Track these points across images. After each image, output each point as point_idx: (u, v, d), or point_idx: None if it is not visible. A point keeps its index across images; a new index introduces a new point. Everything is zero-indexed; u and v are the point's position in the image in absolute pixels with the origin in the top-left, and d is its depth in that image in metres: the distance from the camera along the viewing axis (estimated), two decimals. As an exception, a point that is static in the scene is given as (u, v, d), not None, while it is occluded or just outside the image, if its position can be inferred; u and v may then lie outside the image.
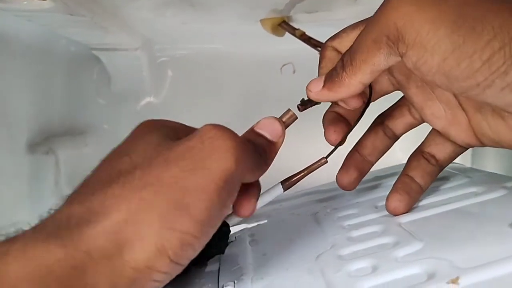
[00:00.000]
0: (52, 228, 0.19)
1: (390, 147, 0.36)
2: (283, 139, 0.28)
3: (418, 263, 0.25)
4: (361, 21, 0.31)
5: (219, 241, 0.31)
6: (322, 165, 0.33)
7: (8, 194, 0.52)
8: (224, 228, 0.31)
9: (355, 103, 0.30)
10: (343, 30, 0.31)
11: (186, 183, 0.21)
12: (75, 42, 0.56)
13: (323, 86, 0.28)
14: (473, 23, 0.21)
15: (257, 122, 0.28)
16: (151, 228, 0.19)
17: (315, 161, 0.33)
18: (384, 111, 0.36)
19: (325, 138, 0.33)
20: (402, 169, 0.37)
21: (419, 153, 0.34)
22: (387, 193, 0.38)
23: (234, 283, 0.28)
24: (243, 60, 0.64)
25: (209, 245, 0.30)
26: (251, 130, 0.28)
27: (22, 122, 0.55)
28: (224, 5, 0.45)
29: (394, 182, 0.36)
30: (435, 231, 0.29)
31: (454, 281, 0.21)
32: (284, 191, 0.32)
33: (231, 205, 0.24)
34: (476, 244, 0.25)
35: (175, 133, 0.25)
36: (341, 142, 0.34)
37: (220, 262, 0.33)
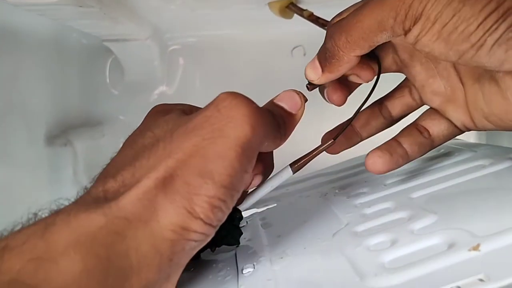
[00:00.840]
0: (91, 201, 0.21)
1: (383, 129, 0.35)
2: (303, 111, 0.29)
3: (436, 234, 0.25)
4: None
5: (234, 230, 0.32)
6: (330, 146, 0.32)
7: (29, 185, 0.54)
8: (237, 215, 0.32)
9: (367, 76, 0.31)
10: (348, 9, 0.31)
11: (206, 151, 0.22)
12: (87, 34, 0.57)
13: (323, 71, 0.29)
14: None
15: (277, 95, 0.28)
16: (180, 194, 0.21)
17: (322, 142, 0.33)
18: (386, 94, 0.35)
19: (327, 97, 0.33)
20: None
21: (412, 125, 0.34)
22: (396, 170, 0.37)
23: (254, 265, 0.29)
24: (253, 45, 0.63)
25: (225, 235, 0.31)
26: (270, 102, 0.28)
27: (40, 115, 0.56)
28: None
29: None
30: (448, 204, 0.30)
31: (475, 248, 0.22)
32: (293, 174, 0.32)
33: (251, 171, 0.24)
34: (491, 213, 0.26)
35: (190, 111, 0.26)
36: (349, 121, 0.33)
37: (235, 249, 0.33)
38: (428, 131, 0.33)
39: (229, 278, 0.29)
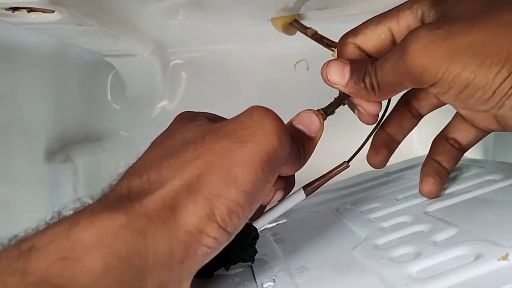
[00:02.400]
0: (114, 199, 0.21)
1: (416, 125, 0.37)
2: (321, 133, 0.29)
3: (460, 245, 0.25)
4: (382, 14, 0.30)
5: (248, 247, 0.31)
6: (344, 169, 0.33)
7: (29, 202, 0.52)
8: (253, 233, 0.31)
9: (374, 110, 0.32)
10: (365, 26, 0.31)
11: (234, 154, 0.22)
12: (88, 49, 0.56)
13: (348, 89, 0.30)
14: (483, 58, 0.23)
15: (296, 116, 0.29)
16: (201, 194, 0.21)
17: (336, 165, 0.33)
18: (408, 91, 0.36)
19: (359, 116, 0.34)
20: (416, 162, 0.38)
21: (443, 138, 0.36)
22: (406, 185, 0.38)
23: (274, 279, 0.29)
24: (256, 59, 0.64)
25: (239, 252, 0.30)
26: (290, 124, 0.29)
27: (40, 131, 0.55)
28: (233, 6, 0.44)
29: (409, 175, 0.36)
30: (465, 216, 0.30)
31: (505, 257, 0.22)
32: (306, 197, 0.32)
33: (272, 182, 0.24)
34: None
35: (214, 120, 0.27)
36: (362, 145, 0.34)
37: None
38: (458, 142, 0.35)
39: (249, 293, 0.29)
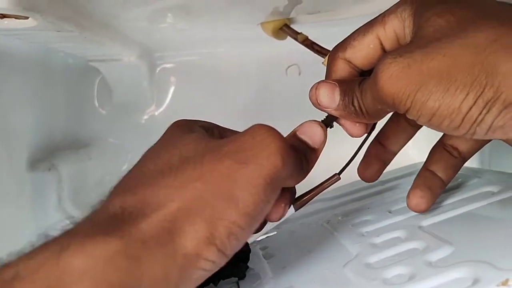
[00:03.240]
0: (107, 220, 0.20)
1: (413, 135, 0.35)
2: (324, 145, 0.29)
3: (457, 267, 0.24)
4: (369, 23, 0.29)
5: (240, 263, 0.31)
6: (335, 182, 0.32)
7: (11, 213, 0.51)
8: (245, 248, 0.31)
9: (357, 133, 0.31)
10: (352, 38, 0.29)
11: (237, 175, 0.22)
12: (74, 55, 0.55)
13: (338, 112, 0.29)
14: (446, 84, 0.22)
15: (299, 126, 0.28)
16: (201, 216, 0.21)
17: (327, 178, 0.32)
18: None
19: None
20: (411, 170, 0.36)
21: (441, 146, 0.34)
22: (400, 196, 0.36)
23: None
24: (247, 64, 0.62)
25: (230, 265, 0.29)
26: (293, 135, 0.28)
27: (22, 139, 0.53)
28: (221, 11, 0.43)
29: (404, 184, 0.35)
30: (462, 233, 0.29)
31: (504, 283, 0.21)
32: (295, 211, 0.31)
33: (273, 203, 0.24)
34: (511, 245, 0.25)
35: (211, 131, 0.27)
36: (353, 157, 0.33)
37: (237, 280, 0.32)
38: (457, 149, 0.33)
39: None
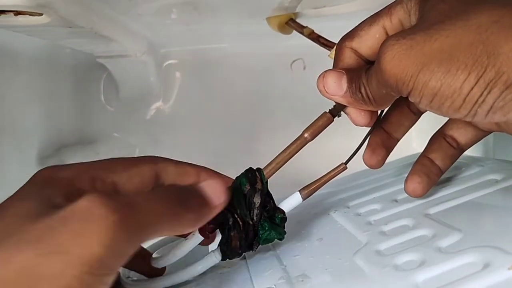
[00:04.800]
0: None
1: (415, 122, 0.35)
2: (221, 207, 0.27)
3: (466, 252, 0.24)
4: (376, 14, 0.29)
5: (276, 228, 0.31)
6: (341, 171, 0.32)
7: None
8: (280, 215, 0.31)
9: (362, 122, 0.31)
10: (360, 28, 0.30)
11: (40, 269, 0.18)
12: (80, 51, 0.55)
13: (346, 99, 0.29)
14: (448, 65, 0.22)
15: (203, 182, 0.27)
16: None
17: (334, 167, 0.32)
18: None
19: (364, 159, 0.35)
20: (413, 160, 0.37)
21: (440, 136, 0.34)
22: (400, 180, 0.37)
23: (275, 286, 0.28)
24: (252, 58, 0.63)
25: (268, 229, 0.30)
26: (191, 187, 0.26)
27: (32, 134, 0.54)
28: (228, 6, 0.43)
29: (406, 173, 0.35)
30: (469, 220, 0.29)
31: None
32: (303, 200, 0.32)
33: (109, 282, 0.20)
34: None
35: (64, 196, 0.22)
36: (359, 146, 0.33)
37: (248, 268, 0.32)
38: (456, 140, 0.34)
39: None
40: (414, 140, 0.59)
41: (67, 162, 0.57)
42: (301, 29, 0.46)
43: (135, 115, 0.62)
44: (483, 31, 0.22)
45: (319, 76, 0.30)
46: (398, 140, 0.36)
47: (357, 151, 0.33)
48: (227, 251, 0.30)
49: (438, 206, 0.33)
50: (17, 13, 0.31)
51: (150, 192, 0.26)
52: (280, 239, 0.31)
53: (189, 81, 0.63)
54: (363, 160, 0.36)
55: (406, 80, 0.24)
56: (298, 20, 0.48)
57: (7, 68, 0.49)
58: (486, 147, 0.53)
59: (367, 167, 0.38)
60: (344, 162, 0.33)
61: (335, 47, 0.34)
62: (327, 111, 0.31)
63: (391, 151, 0.36)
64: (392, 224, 0.32)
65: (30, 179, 0.24)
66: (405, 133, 0.36)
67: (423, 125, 0.40)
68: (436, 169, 0.34)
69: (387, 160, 0.40)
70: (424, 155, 0.35)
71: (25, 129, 0.53)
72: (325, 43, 0.43)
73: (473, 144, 0.34)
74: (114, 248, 0.20)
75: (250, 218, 0.30)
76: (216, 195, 0.27)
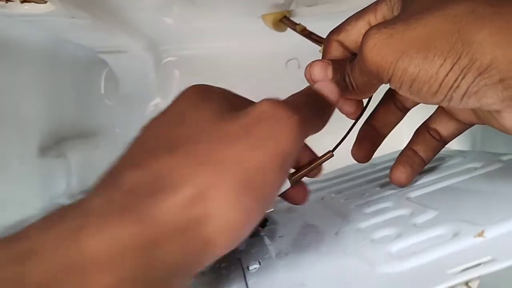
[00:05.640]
0: (122, 197, 0.19)
1: (401, 119, 0.37)
2: (338, 101, 0.30)
3: (439, 225, 0.26)
4: (363, 10, 0.31)
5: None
6: (328, 158, 0.34)
7: (21, 197, 0.53)
8: None
9: (348, 110, 0.33)
10: (347, 23, 0.32)
11: (250, 162, 0.21)
12: (82, 46, 0.57)
13: (339, 97, 0.30)
14: (425, 52, 0.24)
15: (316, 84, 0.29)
16: (221, 204, 0.20)
17: (321, 154, 0.34)
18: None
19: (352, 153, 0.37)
20: (394, 156, 0.39)
21: (424, 129, 0.36)
22: (386, 173, 0.38)
23: (259, 262, 0.29)
24: (248, 57, 0.64)
25: None
26: (310, 90, 0.29)
27: (33, 126, 0.56)
28: (225, 1, 0.45)
29: (389, 166, 0.37)
30: (446, 200, 0.31)
31: (480, 234, 0.23)
32: (291, 186, 0.33)
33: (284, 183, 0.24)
34: (490, 206, 0.27)
35: (229, 103, 0.25)
36: (346, 135, 0.35)
37: (238, 248, 0.33)
38: (439, 133, 0.36)
39: (235, 275, 0.29)
40: (405, 136, 0.61)
41: (67, 154, 0.59)
42: (294, 26, 0.48)
43: (134, 110, 0.64)
44: (459, 20, 0.23)
45: (306, 66, 0.32)
46: (385, 136, 0.37)
47: (344, 139, 0.35)
48: None
49: (418, 190, 0.34)
50: (23, 0, 0.33)
51: (300, 98, 0.27)
52: (262, 226, 0.32)
53: (187, 78, 0.64)
54: (352, 154, 0.37)
55: (386, 67, 0.25)
56: (292, 19, 0.50)
57: (12, 61, 0.51)
58: (474, 142, 0.55)
59: (352, 163, 0.40)
60: (331, 150, 0.34)
61: (323, 46, 0.36)
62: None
63: (378, 145, 0.37)
64: (374, 207, 0.34)
65: (187, 90, 0.26)
66: (392, 128, 0.37)
67: (414, 123, 0.42)
68: (419, 159, 0.36)
69: (377, 155, 0.42)
70: (408, 147, 0.36)
71: (27, 120, 0.54)
72: (316, 39, 0.44)
73: (455, 137, 0.36)
74: (297, 145, 0.23)
75: None
76: (333, 93, 0.29)
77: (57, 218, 0.18)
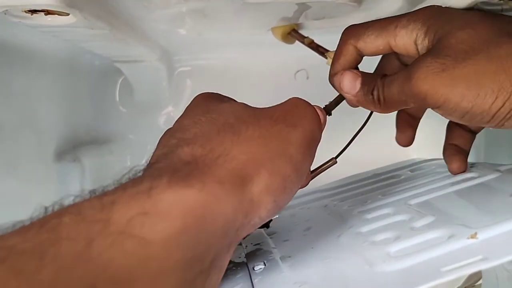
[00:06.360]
0: (184, 167, 0.23)
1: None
2: (325, 126, 0.33)
3: (436, 229, 0.28)
4: (382, 27, 0.33)
5: None
6: (332, 165, 0.35)
7: (37, 200, 0.54)
8: None
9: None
10: (365, 33, 0.34)
11: (289, 136, 0.26)
12: (99, 56, 0.59)
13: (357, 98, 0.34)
14: (477, 90, 0.27)
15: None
16: (265, 168, 0.24)
17: (325, 161, 0.35)
18: None
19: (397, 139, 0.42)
20: (405, 164, 0.40)
21: (455, 124, 0.40)
22: (392, 183, 0.40)
23: (264, 263, 0.31)
24: (258, 68, 0.66)
25: None
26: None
27: (51, 131, 0.58)
28: (235, 15, 0.47)
29: (397, 175, 0.39)
30: (444, 207, 0.32)
31: (473, 236, 0.25)
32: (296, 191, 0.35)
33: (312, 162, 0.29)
34: (484, 212, 0.29)
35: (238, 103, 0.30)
36: (349, 143, 0.36)
37: (244, 251, 0.36)
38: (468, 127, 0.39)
39: (241, 275, 0.31)
40: (410, 148, 0.62)
41: (82, 159, 0.61)
42: (302, 38, 0.50)
43: (147, 118, 0.66)
44: (504, 61, 0.27)
45: (337, 73, 0.35)
46: (420, 118, 0.42)
47: (347, 147, 0.36)
48: None
49: (419, 198, 0.36)
50: (47, 12, 0.35)
51: None
52: (266, 227, 0.34)
53: (199, 87, 0.65)
54: (396, 140, 0.42)
55: (436, 97, 0.28)
56: (300, 31, 0.52)
57: (33, 69, 0.53)
58: (478, 153, 0.56)
59: (359, 171, 0.41)
60: (334, 157, 0.36)
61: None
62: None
63: (416, 128, 0.42)
64: (375, 213, 0.35)
65: (201, 95, 0.31)
66: (424, 111, 0.41)
67: (419, 135, 0.44)
68: (462, 150, 0.39)
69: (382, 164, 0.43)
70: (448, 142, 0.40)
71: (45, 126, 0.57)
72: (323, 52, 0.46)
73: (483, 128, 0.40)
74: (321, 129, 0.29)
75: None
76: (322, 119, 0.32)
77: (131, 183, 0.21)
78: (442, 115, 0.30)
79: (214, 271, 0.22)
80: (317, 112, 0.29)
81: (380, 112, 0.34)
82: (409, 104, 0.31)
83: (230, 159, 0.23)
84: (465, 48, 0.28)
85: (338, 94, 0.36)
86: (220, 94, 0.31)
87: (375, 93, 0.32)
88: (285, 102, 0.29)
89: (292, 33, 0.52)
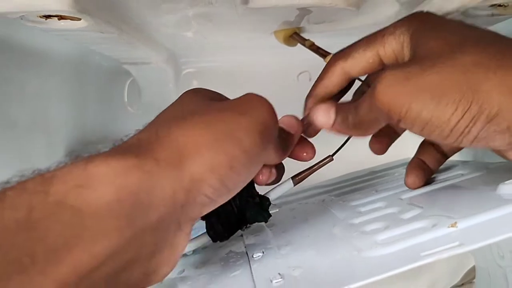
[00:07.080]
0: (125, 147, 0.24)
1: None
2: (300, 133, 0.34)
3: (422, 220, 0.29)
4: (369, 39, 0.33)
5: (263, 211, 0.35)
6: (328, 162, 0.37)
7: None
8: (267, 202, 0.35)
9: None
10: (354, 50, 0.34)
11: (237, 121, 0.26)
12: (108, 57, 0.61)
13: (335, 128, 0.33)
14: (438, 99, 0.26)
15: (280, 118, 0.32)
16: (208, 149, 0.24)
17: (322, 158, 0.37)
18: None
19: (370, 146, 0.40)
20: (400, 163, 0.42)
21: (428, 142, 0.39)
22: (386, 180, 0.42)
23: (263, 251, 0.33)
24: (262, 70, 0.68)
25: (254, 215, 0.34)
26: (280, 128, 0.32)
27: (60, 131, 0.60)
28: (239, 19, 0.49)
29: (392, 173, 0.40)
30: (432, 200, 0.34)
31: (453, 225, 0.26)
32: (294, 186, 0.37)
33: (266, 152, 0.28)
34: (467, 204, 0.30)
35: (217, 96, 0.32)
36: (346, 141, 0.38)
37: (244, 242, 0.37)
38: (441, 148, 0.39)
39: (241, 262, 0.33)
40: (410, 148, 0.64)
41: (91, 158, 0.63)
42: (303, 41, 0.52)
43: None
44: (467, 70, 0.26)
45: (312, 109, 0.34)
46: (400, 134, 0.40)
47: (344, 145, 0.38)
48: (213, 235, 0.34)
49: (410, 193, 0.38)
50: (60, 17, 0.38)
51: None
52: (265, 221, 0.36)
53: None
54: (369, 146, 0.40)
55: (398, 108, 0.27)
56: (301, 35, 0.54)
57: (44, 70, 0.56)
58: (476, 153, 0.57)
59: (356, 169, 0.43)
60: (331, 154, 0.38)
61: (330, 56, 0.39)
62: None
63: (393, 141, 0.40)
64: (368, 207, 0.37)
65: (187, 91, 0.32)
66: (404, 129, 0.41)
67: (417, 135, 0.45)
68: (427, 167, 0.39)
69: (380, 162, 0.44)
70: (416, 156, 0.40)
71: (55, 125, 0.59)
72: (323, 53, 0.48)
73: (456, 152, 0.39)
74: (274, 122, 0.28)
75: (234, 205, 0.33)
76: (291, 125, 0.33)
77: (71, 160, 0.22)
78: (406, 128, 0.29)
79: (164, 245, 0.24)
80: (271, 105, 0.28)
81: (361, 136, 0.33)
82: (381, 121, 0.30)
83: (170, 140, 0.24)
84: (433, 56, 0.27)
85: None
86: (198, 89, 0.32)
87: (350, 118, 0.31)
88: (241, 96, 0.29)
89: (294, 36, 0.54)
